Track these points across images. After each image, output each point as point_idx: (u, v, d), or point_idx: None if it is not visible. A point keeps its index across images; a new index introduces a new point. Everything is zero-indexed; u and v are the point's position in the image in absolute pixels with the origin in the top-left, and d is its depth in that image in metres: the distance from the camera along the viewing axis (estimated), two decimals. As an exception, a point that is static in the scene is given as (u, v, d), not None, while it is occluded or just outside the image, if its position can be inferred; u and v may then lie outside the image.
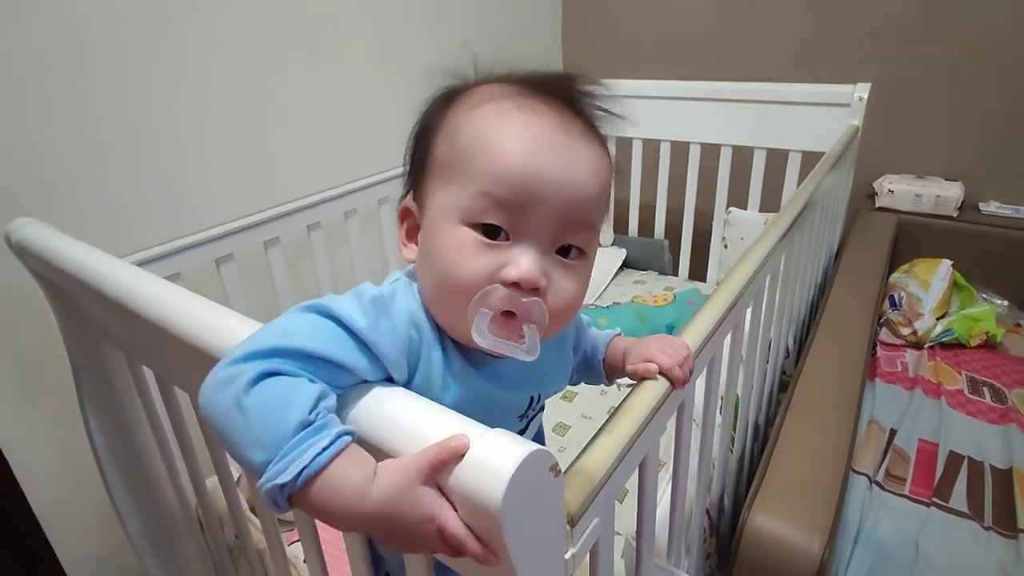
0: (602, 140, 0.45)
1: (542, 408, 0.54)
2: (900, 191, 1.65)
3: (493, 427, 0.46)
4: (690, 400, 0.59)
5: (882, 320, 1.50)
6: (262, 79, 1.18)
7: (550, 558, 0.36)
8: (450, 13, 1.56)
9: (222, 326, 0.47)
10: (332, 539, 0.62)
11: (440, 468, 0.31)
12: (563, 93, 0.43)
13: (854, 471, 1.07)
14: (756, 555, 0.76)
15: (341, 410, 0.37)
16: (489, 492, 0.29)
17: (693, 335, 0.58)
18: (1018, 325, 1.49)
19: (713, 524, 0.90)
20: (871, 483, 1.07)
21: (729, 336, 0.72)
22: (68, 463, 0.98)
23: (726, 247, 1.73)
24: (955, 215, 1.60)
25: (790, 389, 1.05)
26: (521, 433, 0.51)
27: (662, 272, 1.86)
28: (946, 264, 1.51)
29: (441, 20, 1.53)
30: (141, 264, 0.88)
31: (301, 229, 1.14)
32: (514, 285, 0.40)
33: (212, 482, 0.85)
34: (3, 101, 0.86)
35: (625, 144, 1.77)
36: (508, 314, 0.40)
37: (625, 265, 1.87)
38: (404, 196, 0.49)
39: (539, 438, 0.59)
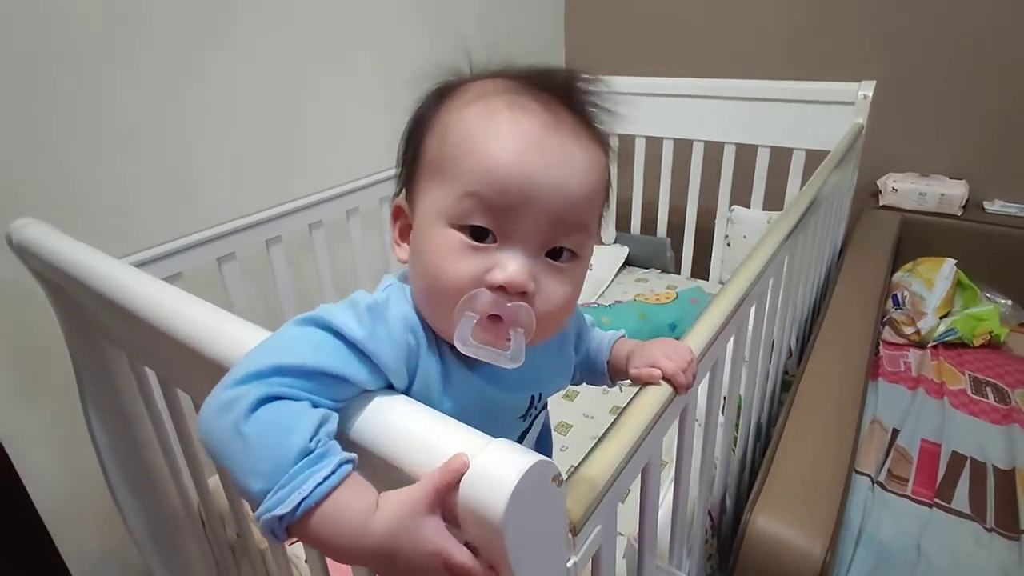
0: (598, 138, 0.43)
1: (545, 407, 0.54)
2: (904, 189, 1.64)
3: (495, 429, 0.46)
4: (693, 403, 0.59)
5: (885, 319, 1.49)
6: (263, 78, 1.17)
7: (552, 567, 0.36)
8: (451, 11, 1.56)
9: (221, 330, 0.47)
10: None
11: (445, 493, 0.31)
12: (557, 90, 0.42)
13: (856, 471, 1.07)
14: (758, 557, 0.76)
15: (343, 421, 0.37)
16: (492, 505, 0.29)
17: (697, 339, 0.58)
18: (1022, 325, 1.49)
19: (715, 525, 0.90)
20: (873, 483, 1.06)
21: (732, 338, 0.72)
22: (71, 460, 0.98)
23: (729, 245, 1.72)
24: (959, 214, 1.59)
25: (792, 389, 1.04)
26: (525, 433, 0.51)
27: (664, 270, 1.85)
28: (950, 263, 1.51)
29: (442, 18, 1.53)
30: (143, 263, 0.88)
31: (303, 228, 1.13)
32: (500, 289, 0.39)
33: (214, 481, 0.85)
34: (4, 101, 0.86)
35: (628, 141, 1.76)
36: (495, 318, 0.40)
37: (627, 263, 1.86)
38: (397, 194, 0.48)
39: (545, 437, 0.59)
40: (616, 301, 1.53)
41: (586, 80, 0.44)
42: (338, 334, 0.38)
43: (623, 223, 1.88)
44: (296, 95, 1.24)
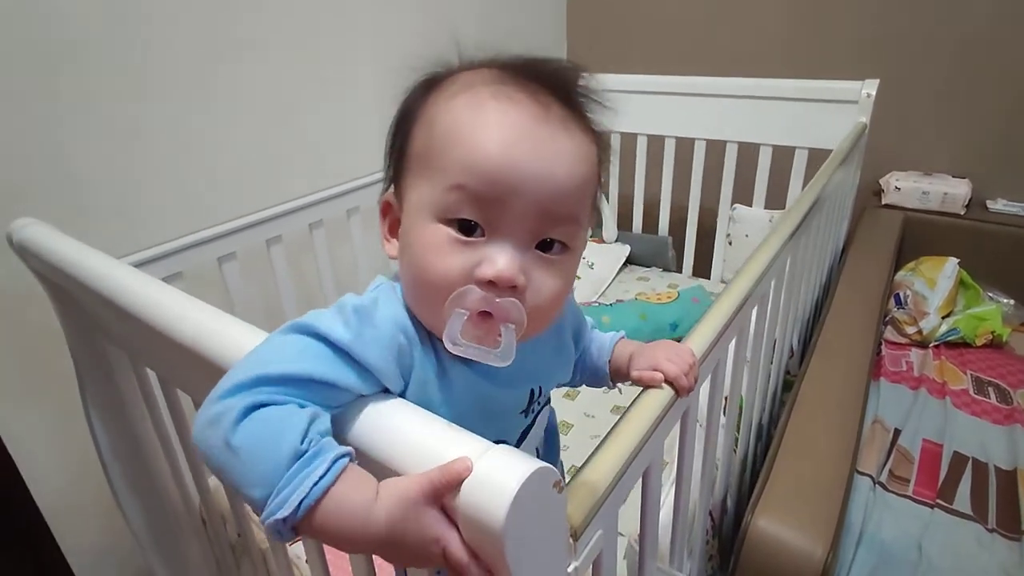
0: (588, 128, 0.43)
1: (548, 402, 0.53)
2: (907, 188, 1.63)
3: (496, 425, 0.47)
4: (694, 405, 0.59)
5: (887, 318, 1.49)
6: (264, 78, 1.17)
7: (553, 573, 0.35)
8: (453, 10, 1.55)
9: (220, 331, 0.47)
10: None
11: (444, 492, 0.31)
12: (546, 80, 0.41)
13: (857, 472, 1.06)
14: (759, 559, 0.75)
15: (341, 427, 0.37)
16: (492, 511, 0.29)
17: (699, 341, 0.58)
18: (1024, 324, 1.49)
19: (716, 525, 0.90)
20: (874, 484, 1.06)
21: (734, 339, 0.71)
22: (71, 457, 0.98)
23: (730, 244, 1.72)
24: (962, 213, 1.59)
25: (794, 389, 1.04)
26: (527, 430, 0.50)
27: (666, 269, 1.85)
28: (952, 262, 1.50)
29: (443, 17, 1.52)
30: (144, 262, 0.88)
31: (303, 227, 1.13)
32: (490, 284, 0.38)
33: (215, 481, 0.85)
34: (5, 101, 0.86)
35: (630, 139, 1.76)
36: (485, 314, 0.39)
37: (629, 262, 1.86)
38: (385, 189, 0.47)
39: (552, 438, 0.59)
40: (617, 300, 1.53)
41: (576, 70, 0.43)
42: (324, 339, 0.37)
43: (625, 221, 1.88)
44: (297, 94, 1.23)
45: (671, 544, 0.68)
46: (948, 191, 1.59)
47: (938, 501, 1.03)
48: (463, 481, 0.30)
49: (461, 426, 0.35)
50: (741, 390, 0.85)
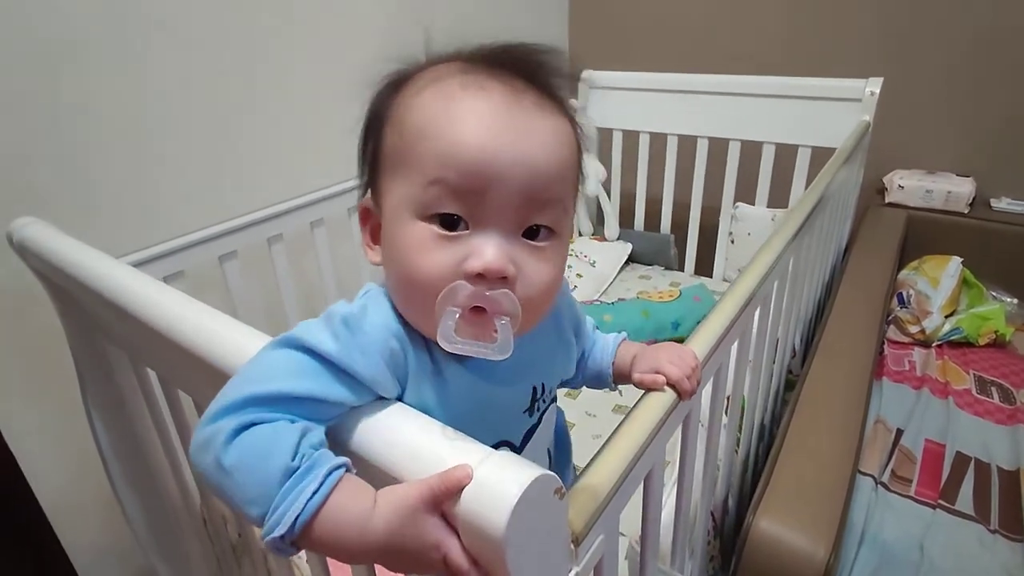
0: (562, 110, 0.42)
1: (554, 399, 0.52)
2: (910, 187, 1.63)
3: (499, 425, 0.47)
4: (697, 408, 0.59)
5: (890, 318, 1.48)
6: (264, 75, 1.16)
7: (554, 579, 0.35)
8: (454, 10, 1.55)
9: (220, 333, 0.47)
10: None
11: (443, 499, 0.31)
12: (515, 65, 0.40)
13: (859, 472, 1.06)
14: (760, 560, 0.75)
15: (340, 435, 0.36)
16: (493, 519, 0.29)
17: (701, 344, 0.57)
18: (1028, 324, 1.48)
19: (717, 526, 0.90)
20: (876, 484, 1.06)
21: (737, 341, 0.71)
22: (72, 454, 0.98)
23: (733, 242, 1.72)
24: (966, 211, 1.58)
25: (797, 389, 1.04)
26: (533, 430, 0.49)
27: (668, 267, 1.85)
28: (956, 261, 1.49)
29: (445, 17, 1.52)
30: (144, 262, 0.88)
31: (304, 225, 1.13)
32: (479, 277, 0.37)
33: (216, 481, 0.85)
34: (6, 100, 0.85)
35: (632, 137, 1.75)
36: (478, 310, 0.38)
37: (631, 260, 1.85)
38: (362, 196, 0.46)
39: (562, 439, 0.58)
40: (619, 299, 1.53)
41: (545, 52, 0.41)
42: (313, 353, 0.37)
43: (627, 219, 1.87)
44: (297, 93, 1.23)
45: (672, 545, 0.68)
46: (952, 190, 1.58)
47: (940, 502, 1.02)
48: (463, 488, 0.30)
49: (462, 428, 0.35)
50: (743, 390, 0.84)
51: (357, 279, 1.26)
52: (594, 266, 1.74)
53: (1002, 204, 1.58)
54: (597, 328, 0.60)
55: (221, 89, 1.10)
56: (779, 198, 1.59)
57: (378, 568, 0.49)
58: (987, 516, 0.99)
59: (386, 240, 0.42)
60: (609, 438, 0.46)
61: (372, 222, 0.45)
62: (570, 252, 1.77)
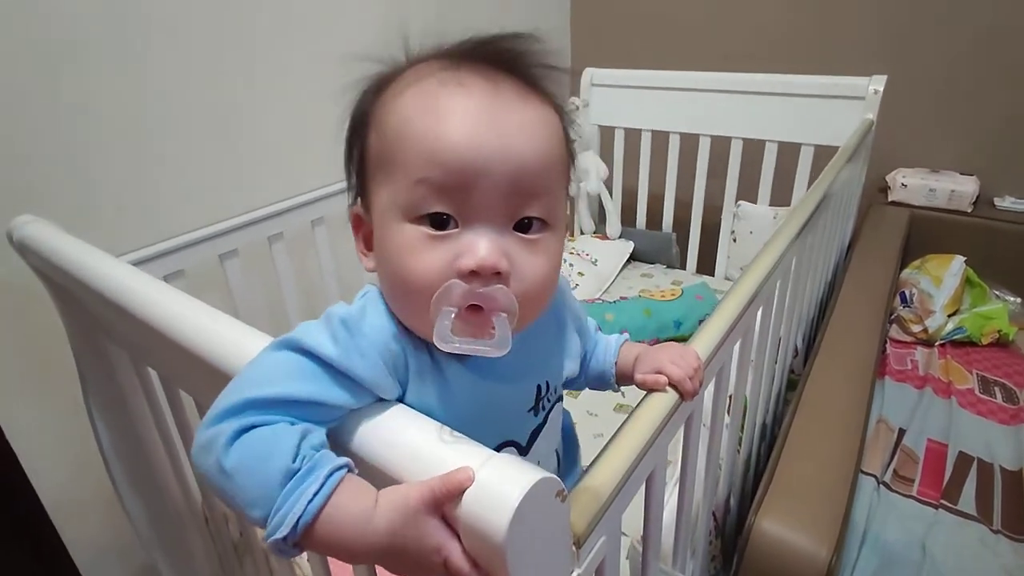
0: (546, 99, 0.41)
1: (560, 398, 0.52)
2: (913, 185, 1.62)
3: (503, 425, 0.46)
4: (699, 409, 0.58)
5: (892, 317, 1.48)
6: (264, 73, 1.16)
7: (556, 581, 0.35)
8: (456, 9, 1.54)
9: (221, 333, 0.46)
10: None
11: (444, 501, 0.31)
12: (494, 58, 0.40)
13: (862, 472, 1.06)
14: (762, 560, 0.75)
15: (341, 437, 0.36)
16: (494, 523, 0.28)
17: (704, 344, 0.57)
18: (1031, 323, 1.47)
19: (719, 526, 0.90)
20: (879, 484, 1.06)
21: (739, 341, 0.71)
22: (73, 451, 0.99)
23: (735, 241, 1.71)
24: (969, 210, 1.57)
25: (799, 388, 1.03)
26: (539, 429, 0.49)
27: (670, 265, 1.84)
28: (959, 260, 1.49)
29: (447, 17, 1.51)
30: (145, 260, 0.88)
31: (305, 224, 1.13)
32: (473, 275, 0.37)
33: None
34: (6, 100, 0.85)
35: (634, 135, 1.75)
36: (475, 307, 0.37)
37: (632, 258, 1.85)
38: (352, 203, 0.45)
39: (570, 439, 0.58)
40: (621, 297, 1.52)
41: (525, 43, 0.41)
42: (312, 355, 0.37)
43: (628, 217, 1.87)
44: (298, 91, 1.23)
45: (674, 545, 0.68)
46: (955, 188, 1.57)
47: (943, 501, 1.02)
48: (465, 491, 0.30)
49: (465, 428, 0.35)
50: (745, 390, 0.84)
51: (358, 277, 1.25)
52: (596, 264, 1.73)
53: (1006, 203, 1.58)
54: (599, 329, 0.60)
55: (221, 87, 1.10)
56: (781, 196, 1.58)
57: (379, 570, 0.49)
58: (989, 516, 0.99)
59: (377, 245, 0.41)
60: (611, 439, 0.45)
61: (364, 229, 0.44)
62: (571, 250, 1.76)
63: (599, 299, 1.58)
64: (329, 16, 1.26)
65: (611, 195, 1.85)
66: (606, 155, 1.83)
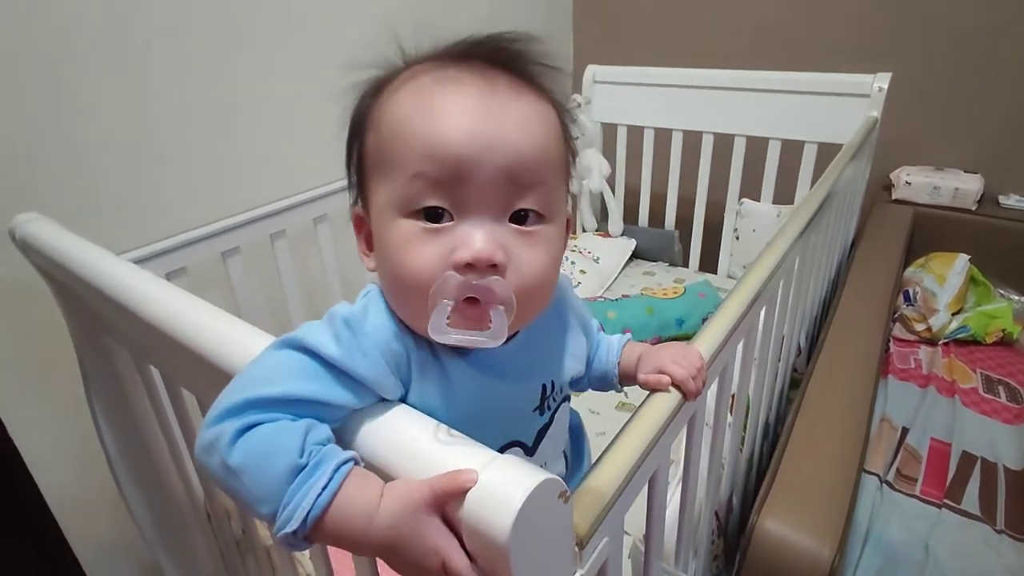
0: (541, 93, 0.41)
1: (566, 398, 0.51)
2: (918, 183, 1.61)
3: (508, 424, 0.46)
4: (702, 410, 0.58)
5: (896, 315, 1.47)
6: (265, 71, 1.16)
7: (558, 583, 0.35)
8: (457, 9, 1.54)
9: (221, 331, 0.46)
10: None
11: (445, 500, 0.31)
12: (488, 56, 0.40)
13: (864, 471, 1.06)
14: (765, 560, 0.75)
15: (343, 439, 0.36)
16: (497, 524, 0.28)
17: (707, 343, 0.57)
18: (1035, 322, 1.47)
19: (721, 525, 0.90)
20: (881, 483, 1.05)
21: (742, 340, 0.70)
22: (77, 449, 0.99)
23: (737, 239, 1.71)
24: (974, 208, 1.56)
25: (802, 387, 1.03)
26: (545, 428, 0.48)
27: (672, 263, 1.84)
28: (963, 259, 1.48)
29: (447, 16, 1.51)
30: (147, 258, 0.88)
31: (307, 221, 1.12)
32: (469, 267, 0.37)
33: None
34: (8, 99, 0.85)
35: (637, 132, 1.74)
36: (472, 300, 0.37)
37: (635, 256, 1.85)
38: (353, 204, 0.46)
39: (577, 437, 0.58)
40: (623, 295, 1.52)
41: (520, 40, 0.41)
42: (315, 355, 0.37)
43: (631, 215, 1.87)
44: (299, 89, 1.22)
45: (676, 544, 0.68)
46: (959, 186, 1.56)
47: (946, 501, 1.02)
48: (467, 492, 0.30)
49: (469, 428, 0.35)
50: (748, 389, 0.84)
51: (360, 275, 1.25)
52: (598, 262, 1.73)
53: (1010, 201, 1.57)
54: (602, 329, 0.60)
55: (222, 85, 1.10)
56: (785, 194, 1.57)
57: (382, 568, 0.49)
58: (993, 516, 0.99)
59: (376, 243, 0.42)
60: (614, 440, 0.45)
61: (365, 230, 0.45)
62: (573, 248, 1.76)
63: (601, 297, 1.57)
64: (329, 15, 1.25)
65: (613, 192, 1.84)
66: (608, 152, 1.82)
